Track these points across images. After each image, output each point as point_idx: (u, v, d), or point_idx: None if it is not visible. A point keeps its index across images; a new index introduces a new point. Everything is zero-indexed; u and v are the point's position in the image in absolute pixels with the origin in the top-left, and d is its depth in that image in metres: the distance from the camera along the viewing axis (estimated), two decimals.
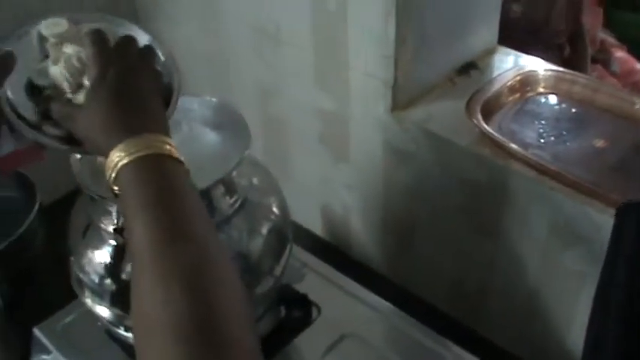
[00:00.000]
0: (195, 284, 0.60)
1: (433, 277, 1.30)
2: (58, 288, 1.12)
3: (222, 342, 0.58)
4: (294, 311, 1.13)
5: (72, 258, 1.02)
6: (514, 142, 1.09)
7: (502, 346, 1.23)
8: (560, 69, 1.25)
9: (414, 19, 1.12)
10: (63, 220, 1.06)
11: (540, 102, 1.21)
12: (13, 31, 0.83)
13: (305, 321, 1.12)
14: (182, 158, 0.70)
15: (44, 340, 1.13)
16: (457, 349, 1.08)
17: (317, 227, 1.47)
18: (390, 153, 1.23)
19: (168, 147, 0.69)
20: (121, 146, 0.68)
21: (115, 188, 0.69)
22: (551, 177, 1.04)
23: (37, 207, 1.26)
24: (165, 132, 0.72)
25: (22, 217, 1.24)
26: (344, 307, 1.15)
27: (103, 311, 0.99)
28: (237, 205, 0.96)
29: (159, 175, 0.68)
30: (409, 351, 1.10)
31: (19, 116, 0.78)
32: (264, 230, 1.00)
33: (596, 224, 0.99)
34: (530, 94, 1.22)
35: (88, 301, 1.01)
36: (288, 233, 1.05)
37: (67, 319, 1.16)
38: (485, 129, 1.10)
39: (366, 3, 1.11)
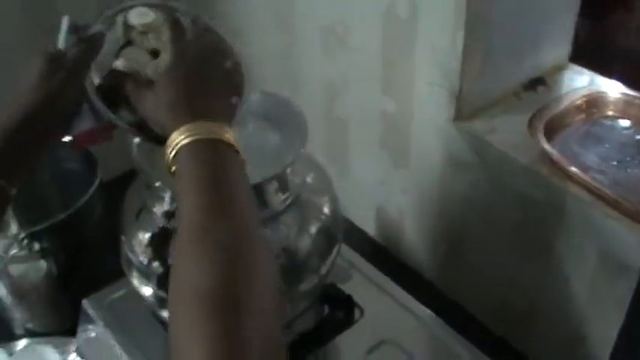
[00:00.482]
0: (230, 261, 0.64)
1: (479, 291, 1.29)
2: (111, 262, 1.15)
3: (246, 317, 0.61)
4: (337, 311, 1.14)
5: (123, 238, 1.05)
6: (574, 164, 1.07)
7: None
8: (632, 93, 1.22)
9: (481, 33, 1.12)
10: (120, 198, 1.10)
11: (607, 125, 1.19)
12: (97, 19, 0.87)
13: (347, 321, 1.14)
14: (239, 148, 0.74)
15: (91, 312, 1.18)
16: None
17: (370, 228, 1.48)
18: (448, 162, 1.23)
19: (227, 135, 0.73)
20: (183, 128, 0.72)
21: (172, 169, 0.73)
22: (607, 203, 1.03)
23: (97, 182, 1.29)
24: (228, 122, 0.76)
25: (83, 191, 1.28)
26: (387, 312, 1.16)
27: (148, 292, 1.02)
28: (288, 201, 0.98)
29: (215, 158, 0.72)
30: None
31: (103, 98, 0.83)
32: (313, 229, 1.01)
33: None
34: (597, 116, 1.20)
35: (135, 282, 1.04)
36: (337, 234, 1.06)
37: (115, 295, 1.20)
38: (546, 148, 1.09)
39: (436, 15, 1.12)
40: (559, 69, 1.29)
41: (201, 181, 0.70)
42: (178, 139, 0.72)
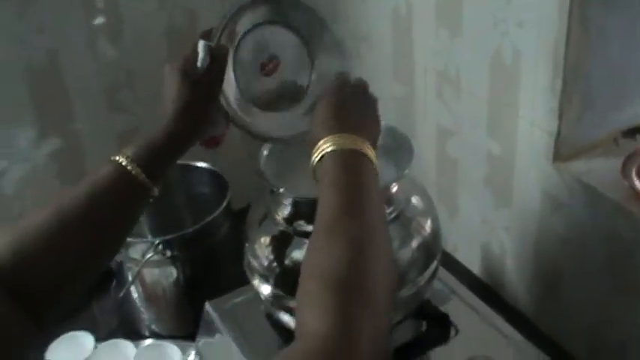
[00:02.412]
0: (356, 251, 0.75)
1: (576, 330, 1.35)
2: (232, 275, 1.28)
3: (362, 300, 0.71)
4: (434, 327, 1.24)
5: (247, 244, 1.18)
6: None
7: None
8: None
9: (580, 79, 1.20)
10: (244, 220, 1.24)
11: None
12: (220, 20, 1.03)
13: (442, 338, 1.23)
14: (376, 162, 0.87)
15: (213, 315, 1.30)
16: None
17: (476, 266, 1.57)
18: (547, 201, 1.31)
19: (367, 149, 0.86)
20: (331, 137, 0.86)
21: (315, 172, 0.87)
22: None
23: (225, 203, 1.44)
24: (370, 142, 0.89)
25: (213, 211, 1.43)
26: (481, 333, 1.24)
27: (267, 291, 1.14)
28: (392, 215, 1.09)
29: (355, 166, 0.85)
30: None
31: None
32: (414, 243, 1.12)
33: None
34: None
35: (256, 282, 1.16)
36: (435, 251, 1.16)
37: (236, 300, 1.32)
38: (636, 184, 1.17)
39: (538, 61, 1.22)
40: None
41: (341, 183, 0.82)
42: (325, 145, 0.86)
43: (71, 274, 0.89)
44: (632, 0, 1.18)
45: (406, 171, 1.08)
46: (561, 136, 1.25)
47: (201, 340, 1.36)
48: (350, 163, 0.85)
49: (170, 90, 0.97)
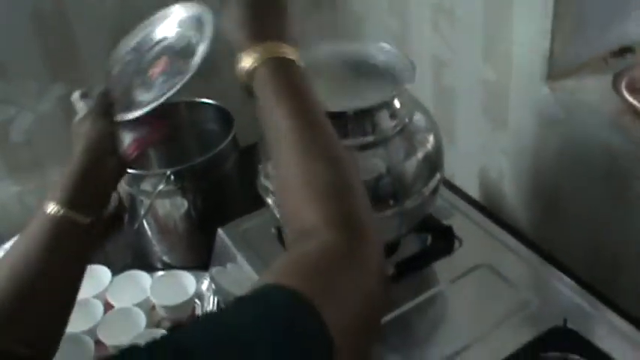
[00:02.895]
0: (329, 157, 0.78)
1: (574, 244, 1.40)
2: (241, 206, 1.33)
3: (354, 192, 0.75)
4: (438, 240, 1.30)
5: (260, 166, 1.23)
6: None
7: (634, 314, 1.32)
8: None
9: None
10: (251, 157, 1.28)
11: None
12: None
13: (447, 249, 1.29)
14: (302, 64, 0.87)
15: (225, 239, 1.36)
16: (591, 298, 1.18)
17: (474, 191, 1.62)
18: (542, 120, 1.36)
19: (293, 53, 0.86)
20: (256, 48, 0.85)
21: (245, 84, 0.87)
22: None
23: (231, 136, 1.49)
24: (291, 42, 0.88)
25: (220, 145, 1.48)
26: (484, 243, 1.30)
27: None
28: (397, 129, 1.15)
29: (293, 74, 0.85)
30: (544, 289, 1.22)
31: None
32: (418, 156, 1.17)
33: None
34: None
35: (269, 201, 1.21)
36: (439, 164, 1.21)
37: (246, 225, 1.38)
38: (628, 98, 1.22)
39: None
40: None
41: (287, 95, 0.82)
42: (253, 59, 0.84)
43: (51, 317, 0.95)
44: None
45: (408, 86, 1.13)
46: (554, 57, 1.30)
47: (214, 268, 1.41)
48: (288, 69, 0.85)
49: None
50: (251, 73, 0.85)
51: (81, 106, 1.08)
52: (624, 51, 1.38)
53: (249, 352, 0.58)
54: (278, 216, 1.21)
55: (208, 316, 0.78)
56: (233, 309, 0.64)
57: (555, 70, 1.32)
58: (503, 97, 1.43)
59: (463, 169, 1.62)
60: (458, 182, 1.64)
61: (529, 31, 1.31)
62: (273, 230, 1.33)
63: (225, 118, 1.55)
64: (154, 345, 0.59)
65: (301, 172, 0.77)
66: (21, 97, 1.60)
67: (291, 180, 0.78)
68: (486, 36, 1.42)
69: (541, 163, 1.41)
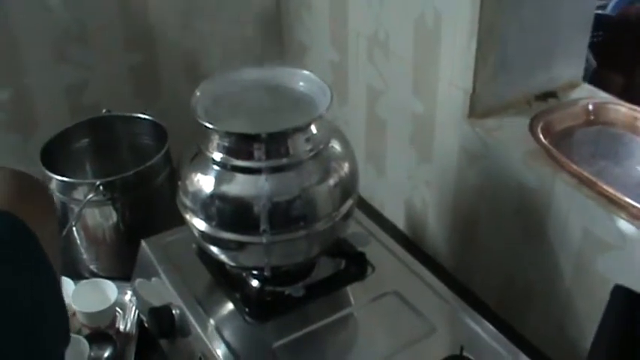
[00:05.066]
0: None
1: (489, 276, 1.45)
2: (170, 219, 1.36)
3: None
4: (351, 265, 1.33)
5: (179, 182, 1.26)
6: (566, 156, 1.24)
7: (539, 347, 1.36)
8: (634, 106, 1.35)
9: (495, 42, 1.31)
10: None
11: (605, 131, 1.35)
12: None
13: (359, 275, 1.32)
14: None
15: (148, 252, 1.39)
16: (490, 329, 1.21)
17: (402, 222, 1.67)
18: (463, 155, 1.41)
19: None
20: None
21: None
22: (588, 186, 1.19)
23: (164, 150, 1.52)
24: None
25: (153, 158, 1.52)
26: (396, 272, 1.33)
27: (198, 225, 1.22)
28: (312, 153, 1.18)
29: None
30: (448, 318, 1.26)
31: None
32: (331, 181, 1.19)
33: (622, 233, 1.12)
34: (595, 122, 1.36)
35: (187, 217, 1.25)
36: (352, 190, 1.24)
37: (170, 239, 1.41)
38: (541, 140, 1.27)
39: (456, 23, 1.32)
40: (573, 86, 1.46)
41: None
42: None
43: None
44: None
45: (323, 112, 1.17)
46: (476, 94, 1.36)
47: (137, 280, 1.44)
48: None
49: None
50: None
51: None
52: (548, 95, 1.44)
53: None
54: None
55: None
56: None
57: (477, 108, 1.37)
58: (430, 130, 1.48)
59: (391, 200, 1.66)
60: (386, 213, 1.69)
61: (454, 68, 1.37)
62: (193, 245, 1.36)
63: (159, 132, 1.59)
64: None
65: None
66: None
67: None
68: (416, 69, 1.47)
69: (461, 196, 1.46)
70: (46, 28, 1.65)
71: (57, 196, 1.48)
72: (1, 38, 1.61)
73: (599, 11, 2.42)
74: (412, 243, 1.63)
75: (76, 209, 1.47)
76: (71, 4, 1.66)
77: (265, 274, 1.23)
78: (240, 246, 1.20)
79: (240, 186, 1.17)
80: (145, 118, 1.63)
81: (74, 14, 1.66)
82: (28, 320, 0.70)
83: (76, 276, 1.54)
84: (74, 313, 1.44)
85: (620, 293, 1.02)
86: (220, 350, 1.17)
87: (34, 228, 0.76)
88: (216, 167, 1.19)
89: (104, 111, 1.65)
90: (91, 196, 1.44)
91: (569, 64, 1.45)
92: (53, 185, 1.49)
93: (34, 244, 0.76)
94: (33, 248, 0.76)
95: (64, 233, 1.49)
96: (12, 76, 1.66)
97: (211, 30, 1.83)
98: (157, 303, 1.34)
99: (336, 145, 1.24)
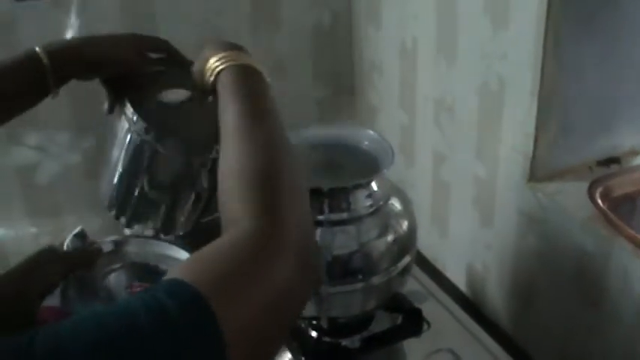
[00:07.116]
0: (267, 147, 0.81)
1: (545, 341, 1.45)
2: None
3: (284, 188, 0.77)
4: (408, 320, 1.36)
5: None
6: (625, 222, 1.25)
7: None
8: None
9: (555, 107, 1.34)
10: None
11: None
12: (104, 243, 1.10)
13: (415, 331, 1.35)
14: (266, 75, 0.94)
15: None
16: None
17: (463, 284, 1.69)
18: (523, 218, 1.43)
19: (256, 64, 0.93)
20: (221, 55, 0.92)
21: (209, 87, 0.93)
22: None
23: None
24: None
25: None
26: (452, 330, 1.37)
27: None
28: (372, 209, 1.23)
29: (252, 79, 0.91)
30: None
31: None
32: (390, 237, 1.25)
33: None
34: None
35: None
36: (409, 248, 1.29)
37: None
38: (599, 204, 1.29)
39: (518, 87, 1.36)
40: (635, 153, 1.47)
41: (244, 93, 0.88)
42: (219, 63, 0.92)
43: None
44: (606, 32, 1.31)
45: (385, 170, 1.22)
46: (536, 159, 1.38)
47: None
48: (248, 75, 0.91)
49: (28, 261, 0.96)
50: (216, 73, 0.92)
51: (69, 240, 1.06)
52: (610, 161, 1.45)
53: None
54: None
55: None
56: (125, 303, 0.62)
57: (538, 172, 1.40)
58: (491, 194, 1.51)
59: (454, 261, 1.69)
60: (448, 274, 1.71)
61: (516, 133, 1.40)
62: None
63: None
64: (35, 334, 0.58)
65: (235, 163, 0.81)
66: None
67: (226, 172, 0.82)
68: (480, 133, 1.50)
69: (521, 260, 1.47)
70: None
71: None
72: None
73: None
74: (472, 304, 1.64)
75: None
76: None
77: (322, 324, 1.27)
78: None
79: None
80: None
81: None
82: None
83: None
84: None
85: None
86: None
87: None
88: None
89: None
90: None
91: (633, 130, 1.47)
92: None
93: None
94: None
95: None
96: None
97: (286, 89, 1.90)
98: None
99: (396, 203, 1.28)
